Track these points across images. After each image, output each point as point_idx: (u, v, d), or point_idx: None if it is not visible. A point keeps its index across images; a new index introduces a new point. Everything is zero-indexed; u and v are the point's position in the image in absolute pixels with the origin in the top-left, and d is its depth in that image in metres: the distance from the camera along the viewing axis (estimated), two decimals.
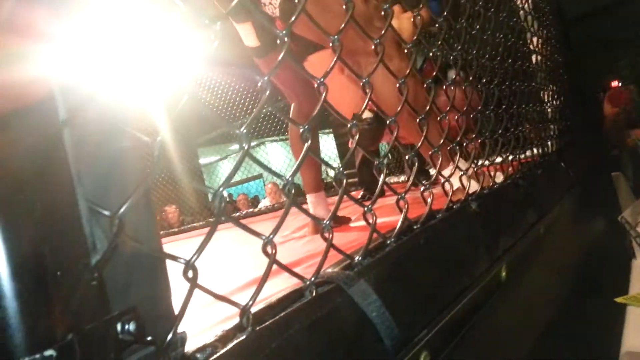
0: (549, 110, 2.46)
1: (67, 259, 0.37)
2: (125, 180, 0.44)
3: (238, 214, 5.08)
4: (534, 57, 2.50)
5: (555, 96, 2.65)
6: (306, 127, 0.58)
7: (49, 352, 0.32)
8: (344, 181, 0.61)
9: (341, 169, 0.62)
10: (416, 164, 0.83)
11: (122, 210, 0.41)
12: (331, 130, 4.38)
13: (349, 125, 0.66)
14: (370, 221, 0.68)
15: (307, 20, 0.60)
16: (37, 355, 0.31)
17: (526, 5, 2.28)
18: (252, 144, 0.51)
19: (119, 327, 0.39)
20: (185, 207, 5.28)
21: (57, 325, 0.34)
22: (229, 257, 1.70)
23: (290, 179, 0.55)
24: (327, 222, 0.60)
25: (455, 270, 0.82)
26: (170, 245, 2.83)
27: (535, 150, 1.68)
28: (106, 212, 0.40)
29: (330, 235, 0.60)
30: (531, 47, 2.43)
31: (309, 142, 0.58)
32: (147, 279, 0.44)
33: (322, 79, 0.60)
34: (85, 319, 0.36)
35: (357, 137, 0.65)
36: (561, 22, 3.27)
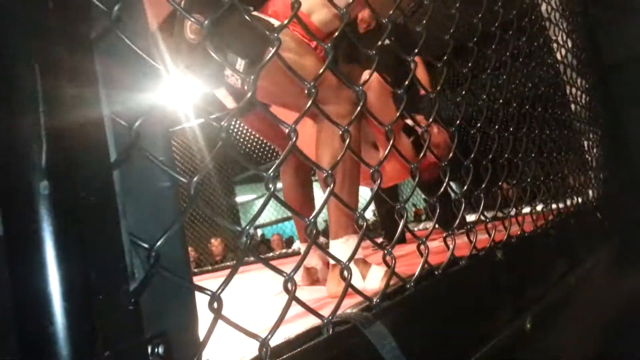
0: (588, 158, 2.44)
1: (109, 285, 0.42)
2: (163, 216, 0.49)
3: (271, 254, 5.14)
4: (572, 106, 2.50)
5: (594, 145, 2.62)
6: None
7: None
8: (364, 224, 0.65)
9: (362, 213, 0.66)
10: (437, 210, 0.86)
11: (158, 243, 0.46)
12: None
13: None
14: (390, 264, 0.71)
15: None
16: None
17: (562, 55, 2.31)
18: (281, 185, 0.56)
19: (149, 349, 0.43)
20: (230, 241, 5.45)
21: (97, 343, 0.38)
22: (259, 293, 1.73)
23: (312, 220, 0.59)
24: (347, 263, 0.63)
25: (476, 319, 0.83)
26: (210, 282, 2.89)
27: (569, 201, 1.67)
28: (145, 245, 0.45)
29: (350, 276, 0.64)
30: (568, 95, 2.45)
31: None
32: (177, 307, 0.49)
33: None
34: (121, 339, 0.41)
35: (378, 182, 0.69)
36: (600, 70, 3.26)
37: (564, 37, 2.25)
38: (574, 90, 2.47)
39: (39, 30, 0.39)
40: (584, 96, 2.54)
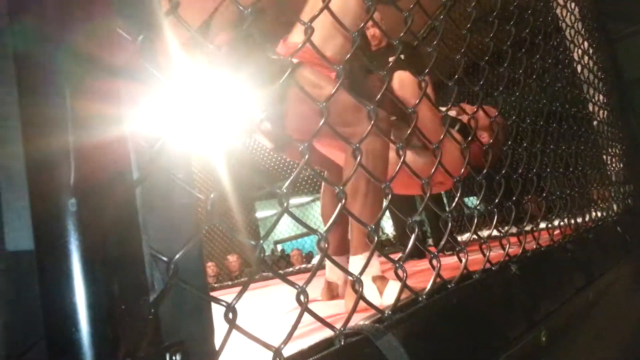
0: (608, 173, 2.41)
1: (131, 296, 0.44)
2: (182, 231, 0.52)
3: (291, 269, 5.16)
4: (595, 122, 2.49)
5: (616, 160, 2.60)
6: (341, 187, 0.65)
7: None
8: (375, 239, 0.67)
9: (373, 227, 0.68)
10: (449, 225, 0.88)
11: (177, 257, 0.48)
12: None
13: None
14: (402, 277, 0.73)
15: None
16: None
17: (584, 73, 2.31)
18: (308, 199, 0.59)
19: (167, 356, 0.46)
20: (246, 257, 5.50)
21: (118, 350, 0.41)
22: (276, 308, 1.75)
23: (324, 234, 0.61)
24: (358, 276, 0.65)
25: (489, 332, 0.84)
26: (229, 296, 2.91)
27: (587, 215, 1.66)
28: (164, 258, 0.48)
29: (361, 289, 0.66)
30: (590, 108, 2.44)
31: (343, 201, 0.64)
32: (194, 317, 0.51)
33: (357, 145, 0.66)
34: (141, 346, 0.43)
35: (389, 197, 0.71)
36: (620, 85, 3.23)
37: (580, 54, 2.25)
38: (592, 106, 2.46)
39: (71, 58, 0.43)
40: (602, 112, 2.52)
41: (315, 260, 5.38)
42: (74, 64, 0.42)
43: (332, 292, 1.66)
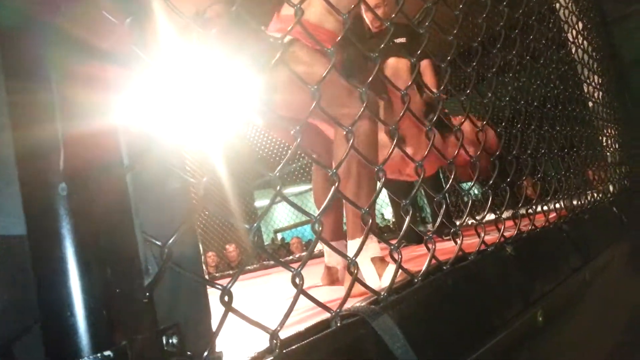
0: (604, 154, 2.42)
1: (125, 280, 0.45)
2: (175, 215, 0.52)
3: (291, 257, 5.19)
4: (590, 103, 2.49)
5: (613, 141, 2.60)
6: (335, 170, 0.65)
7: (107, 353, 0.39)
8: (370, 221, 0.67)
9: (367, 210, 0.68)
10: (443, 207, 0.88)
11: (170, 241, 0.49)
12: None
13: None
14: (397, 258, 0.73)
15: None
16: (98, 355, 0.39)
17: (580, 54, 2.30)
18: (307, 187, 0.59)
19: (164, 339, 0.46)
20: (245, 246, 5.53)
21: (114, 333, 0.41)
22: (275, 294, 1.76)
23: (318, 217, 0.62)
24: (353, 258, 0.66)
25: (485, 312, 0.85)
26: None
27: (583, 197, 1.66)
28: (158, 242, 0.48)
29: (356, 271, 0.66)
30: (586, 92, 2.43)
31: (336, 184, 0.65)
32: (190, 300, 0.51)
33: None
34: (137, 330, 0.43)
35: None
36: (618, 66, 3.22)
37: (575, 34, 2.24)
38: (588, 87, 2.45)
39: (54, 41, 0.43)
40: (598, 93, 2.52)
41: (316, 248, 5.40)
42: (56, 47, 0.42)
43: (332, 277, 1.67)
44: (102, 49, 0.46)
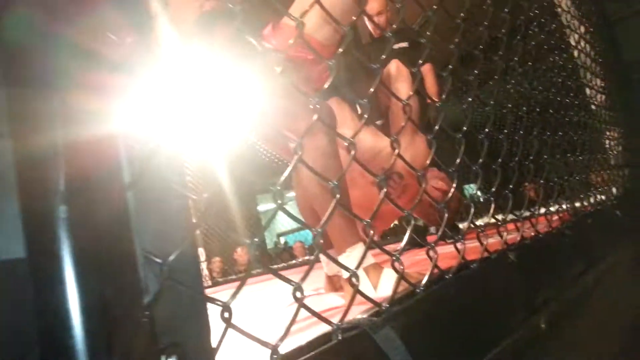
0: (606, 157, 2.41)
1: (125, 299, 0.45)
2: (175, 232, 0.52)
3: (294, 261, 5.19)
4: (592, 107, 2.48)
5: (616, 144, 2.59)
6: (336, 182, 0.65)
7: None
8: (372, 232, 0.67)
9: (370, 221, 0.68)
10: (445, 216, 0.88)
11: (171, 258, 0.48)
12: None
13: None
14: (398, 269, 0.73)
15: None
16: None
17: (581, 57, 2.29)
18: None
19: (163, 359, 0.46)
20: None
21: (113, 353, 0.41)
22: (276, 304, 1.76)
23: (320, 230, 0.62)
24: (354, 270, 0.65)
25: (488, 321, 0.84)
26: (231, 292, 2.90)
27: (585, 200, 1.65)
28: (158, 260, 0.48)
29: (358, 282, 0.66)
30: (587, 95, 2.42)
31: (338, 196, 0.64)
32: (190, 318, 0.51)
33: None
34: (136, 349, 0.43)
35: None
36: (620, 68, 3.21)
37: (577, 38, 2.23)
38: (590, 90, 2.44)
39: (55, 51, 0.43)
40: (600, 96, 2.51)
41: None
42: (57, 56, 0.42)
43: (334, 285, 1.66)
44: (107, 59, 0.46)
